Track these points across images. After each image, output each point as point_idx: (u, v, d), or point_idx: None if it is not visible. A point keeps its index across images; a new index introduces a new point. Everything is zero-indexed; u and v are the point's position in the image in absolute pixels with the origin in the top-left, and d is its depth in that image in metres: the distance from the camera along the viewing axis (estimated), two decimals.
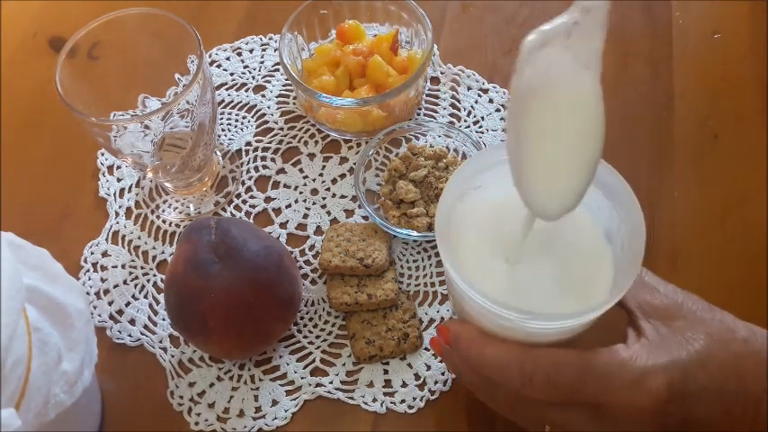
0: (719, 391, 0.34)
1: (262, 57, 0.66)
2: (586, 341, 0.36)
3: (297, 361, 0.50)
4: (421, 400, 0.48)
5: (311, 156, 0.60)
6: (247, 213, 0.57)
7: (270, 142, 0.60)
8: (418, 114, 0.61)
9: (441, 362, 0.49)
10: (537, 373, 0.34)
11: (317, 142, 0.60)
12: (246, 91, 0.64)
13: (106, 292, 0.54)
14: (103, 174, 0.60)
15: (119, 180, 0.59)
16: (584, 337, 0.37)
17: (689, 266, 0.52)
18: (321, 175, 0.58)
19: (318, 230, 0.56)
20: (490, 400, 0.39)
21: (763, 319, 0.48)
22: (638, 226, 0.34)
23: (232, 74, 0.65)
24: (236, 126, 0.62)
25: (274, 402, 0.48)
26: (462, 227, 0.38)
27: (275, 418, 0.48)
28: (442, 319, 0.51)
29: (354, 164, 0.58)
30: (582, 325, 0.35)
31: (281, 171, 0.59)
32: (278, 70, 0.65)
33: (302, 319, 0.52)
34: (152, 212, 0.57)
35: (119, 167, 0.60)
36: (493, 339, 0.36)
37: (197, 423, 0.48)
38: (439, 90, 0.62)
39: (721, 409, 0.34)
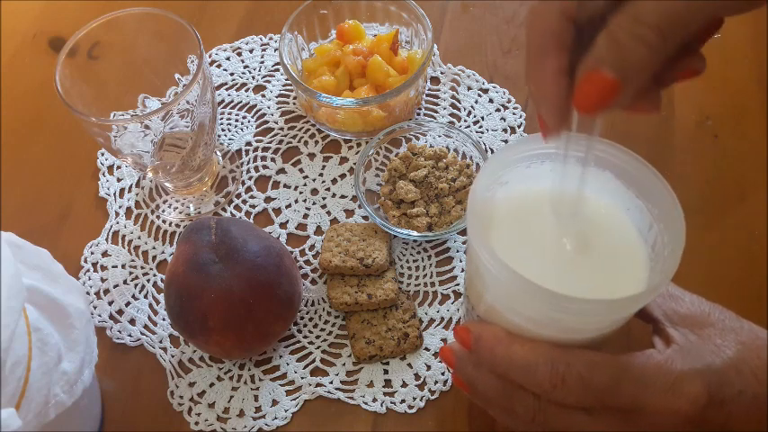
0: (756, 396, 0.33)
1: (262, 57, 0.66)
2: (612, 350, 0.35)
3: (297, 361, 0.50)
4: (421, 400, 0.48)
5: (311, 156, 0.60)
6: (247, 213, 0.57)
7: (270, 142, 0.60)
8: (418, 114, 0.61)
9: (440, 361, 0.49)
10: (570, 374, 0.33)
11: (317, 142, 0.60)
12: (246, 91, 0.64)
13: (106, 292, 0.54)
14: (103, 174, 0.60)
15: (119, 180, 0.59)
16: (608, 347, 0.36)
17: (689, 266, 0.51)
18: (321, 175, 0.58)
19: (318, 230, 0.56)
20: (507, 411, 0.37)
21: (764, 319, 0.48)
22: (677, 218, 0.33)
23: (232, 74, 0.65)
24: (236, 126, 0.62)
25: (274, 402, 0.48)
26: (491, 221, 0.37)
27: (275, 418, 0.48)
28: (442, 319, 0.51)
29: (354, 164, 0.58)
30: (624, 318, 0.34)
31: (281, 171, 0.59)
32: (278, 70, 0.65)
33: (302, 319, 0.52)
34: (152, 212, 0.57)
35: (119, 167, 0.60)
36: (520, 338, 0.35)
37: (197, 423, 0.48)
38: (439, 90, 0.62)
39: (757, 414, 0.33)
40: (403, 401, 0.48)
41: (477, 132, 0.60)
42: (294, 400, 0.48)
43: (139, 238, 0.56)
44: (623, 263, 0.36)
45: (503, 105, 0.61)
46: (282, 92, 0.63)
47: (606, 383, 0.33)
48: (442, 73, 0.63)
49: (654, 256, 0.35)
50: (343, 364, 0.49)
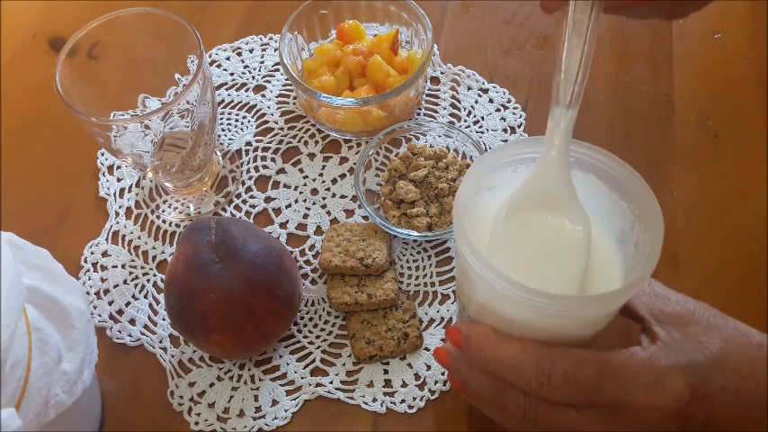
0: (738, 393, 0.34)
1: (262, 57, 0.66)
2: (599, 348, 0.36)
3: (297, 361, 0.50)
4: (421, 400, 0.48)
5: (311, 156, 0.60)
6: (247, 213, 0.57)
7: (270, 142, 0.60)
8: (418, 114, 0.61)
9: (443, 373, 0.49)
10: (555, 372, 0.33)
11: (317, 142, 0.60)
12: (246, 91, 0.64)
13: (106, 292, 0.54)
14: (103, 174, 0.60)
15: (119, 180, 0.59)
16: (598, 345, 0.37)
17: (689, 266, 0.52)
18: (321, 175, 0.58)
19: (318, 230, 0.56)
20: (499, 409, 0.38)
21: (763, 318, 0.48)
22: (656, 217, 0.34)
23: (232, 74, 0.65)
24: (236, 126, 0.62)
25: (274, 402, 0.48)
26: (477, 224, 0.38)
27: (275, 418, 0.48)
28: (442, 319, 0.51)
29: (354, 164, 0.58)
30: (607, 315, 0.35)
31: (281, 171, 0.59)
32: (278, 70, 0.65)
33: (302, 319, 0.52)
34: (152, 212, 0.57)
35: (119, 167, 0.60)
36: (508, 337, 0.35)
37: (197, 423, 0.48)
38: (439, 90, 0.62)
39: (741, 410, 0.34)
40: (403, 401, 0.48)
41: (477, 132, 0.60)
42: (294, 400, 0.48)
43: (139, 238, 0.56)
44: (602, 262, 0.37)
45: (503, 105, 0.61)
46: (282, 92, 0.63)
47: (591, 381, 0.33)
48: (442, 73, 0.63)
49: (636, 255, 0.36)
50: (343, 364, 0.49)
